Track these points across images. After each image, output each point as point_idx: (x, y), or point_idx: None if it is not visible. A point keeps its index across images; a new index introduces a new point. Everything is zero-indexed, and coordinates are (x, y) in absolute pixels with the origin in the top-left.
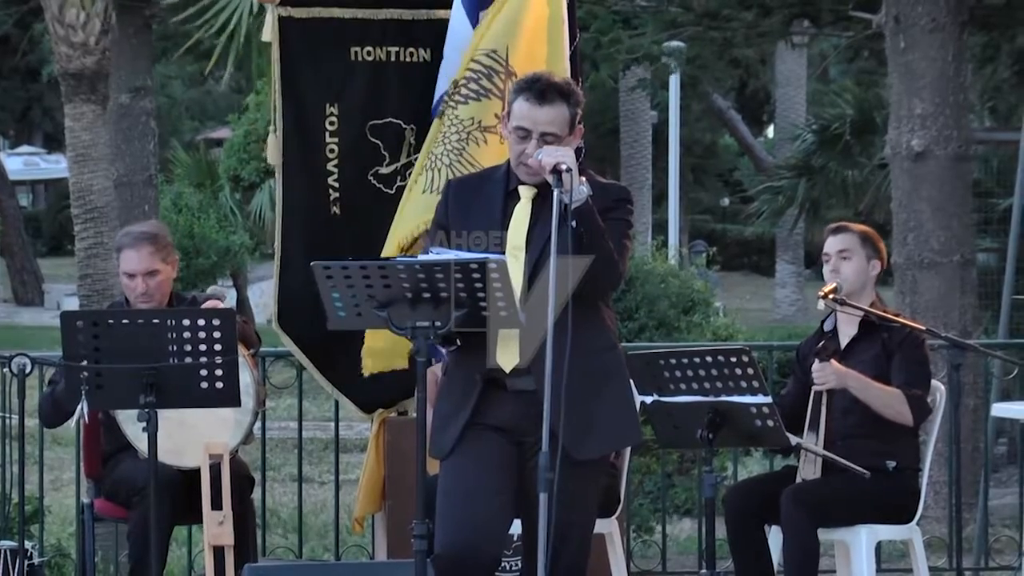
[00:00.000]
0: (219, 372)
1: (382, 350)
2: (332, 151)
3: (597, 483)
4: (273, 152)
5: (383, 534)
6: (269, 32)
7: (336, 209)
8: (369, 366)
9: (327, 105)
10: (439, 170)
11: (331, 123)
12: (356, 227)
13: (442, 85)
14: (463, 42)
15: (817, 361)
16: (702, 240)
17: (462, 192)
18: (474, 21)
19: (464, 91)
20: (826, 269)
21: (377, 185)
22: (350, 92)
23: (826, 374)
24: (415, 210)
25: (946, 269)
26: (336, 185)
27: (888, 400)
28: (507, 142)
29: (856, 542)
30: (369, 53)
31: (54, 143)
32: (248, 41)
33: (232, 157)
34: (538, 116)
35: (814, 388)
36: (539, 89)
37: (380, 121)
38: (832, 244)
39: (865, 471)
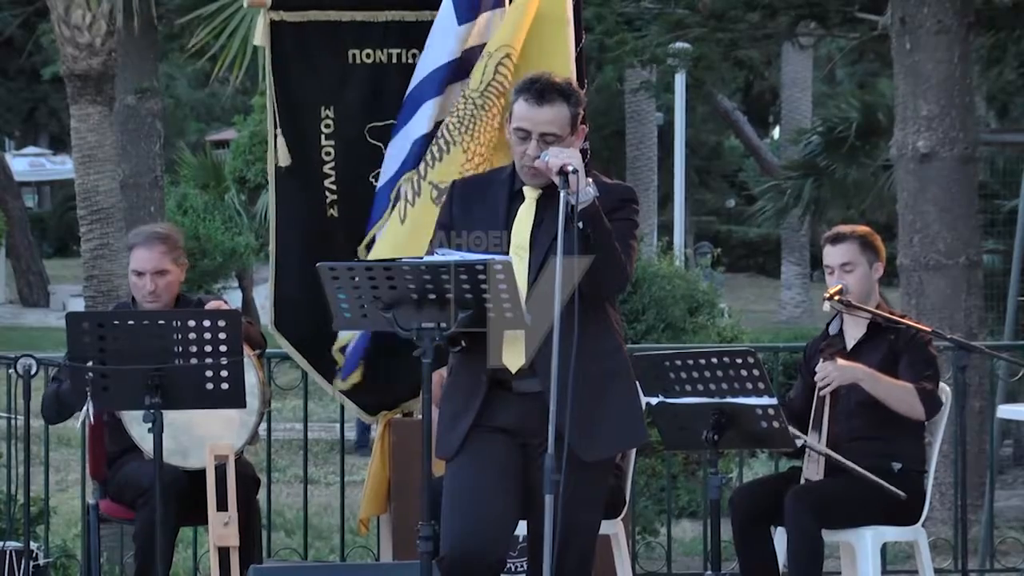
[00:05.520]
0: (224, 373)
1: None
2: (328, 154)
3: (603, 484)
4: (284, 153)
5: (388, 536)
6: (260, 36)
7: (333, 212)
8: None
9: (322, 108)
10: None
11: (327, 126)
12: (354, 229)
13: (419, 75)
14: (445, 33)
15: (822, 362)
16: (707, 241)
17: (466, 192)
18: (461, 18)
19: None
20: (829, 280)
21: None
22: (347, 94)
23: (829, 372)
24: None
25: (952, 271)
26: (333, 188)
27: (900, 394)
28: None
29: (862, 543)
30: (368, 55)
31: (60, 144)
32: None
33: (238, 158)
34: (537, 116)
35: (818, 390)
36: (538, 90)
37: (380, 123)
38: (833, 256)
39: (867, 472)
